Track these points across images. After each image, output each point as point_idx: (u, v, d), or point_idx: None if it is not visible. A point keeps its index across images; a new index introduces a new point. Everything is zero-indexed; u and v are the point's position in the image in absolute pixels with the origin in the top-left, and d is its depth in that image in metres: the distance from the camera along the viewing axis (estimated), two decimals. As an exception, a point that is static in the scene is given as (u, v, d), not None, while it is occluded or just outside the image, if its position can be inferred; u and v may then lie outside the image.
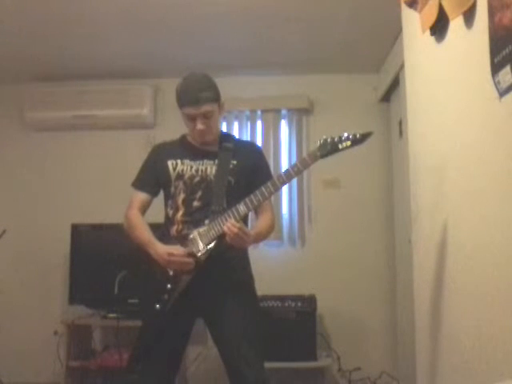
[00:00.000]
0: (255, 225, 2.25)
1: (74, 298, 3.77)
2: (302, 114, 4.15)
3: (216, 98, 2.19)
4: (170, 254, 2.06)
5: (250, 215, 2.30)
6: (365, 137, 1.95)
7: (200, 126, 2.16)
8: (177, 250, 2.08)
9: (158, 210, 2.31)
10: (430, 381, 2.18)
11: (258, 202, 2.04)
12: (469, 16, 1.66)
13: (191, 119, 2.17)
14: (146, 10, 3.10)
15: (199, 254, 2.07)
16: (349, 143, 1.95)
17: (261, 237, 2.22)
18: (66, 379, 3.57)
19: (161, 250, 2.10)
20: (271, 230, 2.26)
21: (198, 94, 2.12)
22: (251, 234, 2.09)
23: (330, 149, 1.96)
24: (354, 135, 1.95)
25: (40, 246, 4.05)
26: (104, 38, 3.50)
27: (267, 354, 2.25)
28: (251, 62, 3.94)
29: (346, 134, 1.96)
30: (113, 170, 4.05)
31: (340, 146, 1.96)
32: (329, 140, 1.97)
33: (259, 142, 4.05)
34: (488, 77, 1.49)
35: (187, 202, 2.17)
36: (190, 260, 2.07)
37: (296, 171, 2.01)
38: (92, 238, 3.95)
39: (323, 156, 1.97)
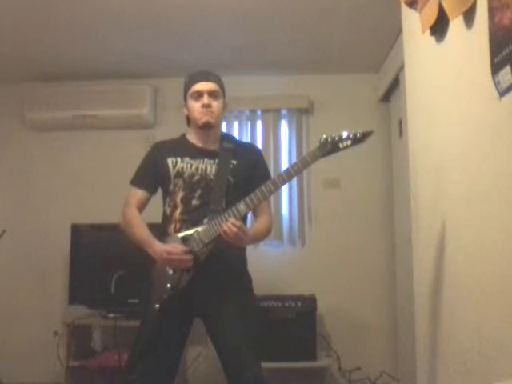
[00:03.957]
0: (253, 225, 2.26)
1: (73, 298, 3.77)
2: (302, 113, 4.15)
3: (222, 88, 2.29)
4: (169, 253, 2.07)
5: (250, 216, 2.31)
6: (365, 136, 1.94)
7: (206, 100, 2.20)
8: (175, 248, 2.08)
9: (156, 210, 2.31)
10: (430, 381, 2.18)
11: (258, 201, 2.05)
12: (469, 16, 1.65)
13: (198, 97, 2.21)
14: (146, 10, 3.10)
15: (199, 254, 2.07)
16: (349, 142, 1.95)
17: (258, 237, 2.25)
18: (66, 379, 3.58)
19: (159, 248, 2.10)
20: (268, 232, 2.27)
21: (208, 74, 2.28)
22: (250, 233, 2.11)
23: (330, 148, 1.96)
24: (355, 134, 1.94)
25: (40, 246, 4.05)
26: (104, 38, 3.49)
27: (265, 354, 2.25)
28: (251, 61, 3.94)
29: (346, 133, 1.95)
30: (113, 170, 4.04)
31: (340, 146, 1.95)
32: (329, 139, 1.96)
33: (259, 142, 4.05)
34: (488, 77, 1.49)
35: (186, 200, 2.17)
36: (189, 257, 2.07)
37: (296, 170, 2.01)
38: (92, 237, 3.94)
39: (324, 155, 1.97)
